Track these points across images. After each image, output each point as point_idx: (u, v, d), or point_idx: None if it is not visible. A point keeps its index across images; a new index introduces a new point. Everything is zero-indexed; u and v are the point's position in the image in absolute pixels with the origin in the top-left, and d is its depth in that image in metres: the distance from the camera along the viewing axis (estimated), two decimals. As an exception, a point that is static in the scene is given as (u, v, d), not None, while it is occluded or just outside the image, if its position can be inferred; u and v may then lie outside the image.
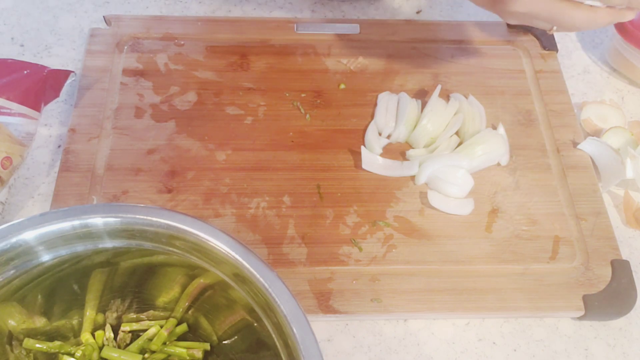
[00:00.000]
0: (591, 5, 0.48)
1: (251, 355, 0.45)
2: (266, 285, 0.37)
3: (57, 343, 0.45)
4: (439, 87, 0.64)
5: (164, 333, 0.46)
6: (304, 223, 0.57)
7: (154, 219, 0.39)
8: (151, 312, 0.48)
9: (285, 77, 0.67)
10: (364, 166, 0.60)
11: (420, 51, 0.70)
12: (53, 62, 0.68)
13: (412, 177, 0.60)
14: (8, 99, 0.57)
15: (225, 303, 0.44)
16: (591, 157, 0.63)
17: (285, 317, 0.35)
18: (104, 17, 0.70)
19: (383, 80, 0.68)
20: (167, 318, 0.48)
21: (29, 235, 0.38)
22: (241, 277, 0.39)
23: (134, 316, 0.48)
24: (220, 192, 0.58)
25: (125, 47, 0.68)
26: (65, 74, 0.62)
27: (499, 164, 0.62)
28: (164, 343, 0.47)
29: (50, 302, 0.44)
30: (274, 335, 0.38)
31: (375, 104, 0.65)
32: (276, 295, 0.36)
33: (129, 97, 0.64)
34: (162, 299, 0.47)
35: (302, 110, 0.65)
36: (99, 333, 0.47)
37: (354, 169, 0.61)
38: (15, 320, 0.43)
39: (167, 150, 0.61)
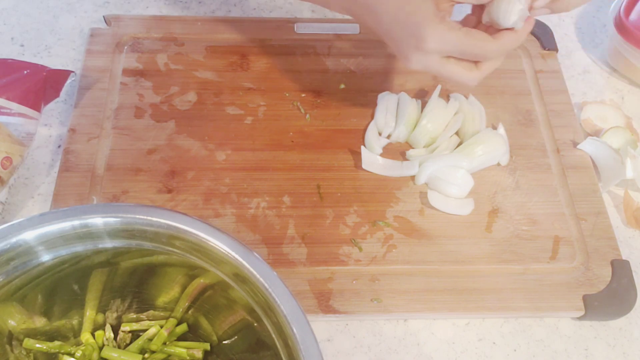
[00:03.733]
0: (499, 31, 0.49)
1: (251, 355, 0.45)
2: (266, 285, 0.37)
3: (57, 343, 0.45)
4: (439, 87, 0.64)
5: (164, 333, 0.46)
6: (304, 223, 0.57)
7: (154, 219, 0.39)
8: (151, 312, 0.48)
9: (285, 77, 0.67)
10: (364, 166, 0.60)
11: (420, 51, 0.70)
12: (53, 62, 0.68)
13: (412, 177, 0.60)
14: (8, 99, 0.57)
15: (225, 303, 0.44)
16: (591, 157, 0.63)
17: (285, 317, 0.35)
18: (104, 17, 0.70)
19: (383, 80, 0.68)
20: (167, 318, 0.48)
21: (29, 235, 0.38)
22: (241, 277, 0.39)
23: (134, 316, 0.48)
24: (220, 192, 0.58)
25: (125, 47, 0.68)
26: (65, 74, 0.62)
27: (499, 164, 0.62)
28: (164, 343, 0.47)
29: (50, 302, 0.44)
30: (274, 335, 0.38)
31: (375, 104, 0.65)
32: (276, 295, 0.36)
33: (129, 97, 0.64)
34: (162, 299, 0.47)
35: (302, 110, 0.65)
36: (99, 333, 0.47)
37: (354, 169, 0.61)
38: (15, 320, 0.43)
39: (167, 150, 0.61)
